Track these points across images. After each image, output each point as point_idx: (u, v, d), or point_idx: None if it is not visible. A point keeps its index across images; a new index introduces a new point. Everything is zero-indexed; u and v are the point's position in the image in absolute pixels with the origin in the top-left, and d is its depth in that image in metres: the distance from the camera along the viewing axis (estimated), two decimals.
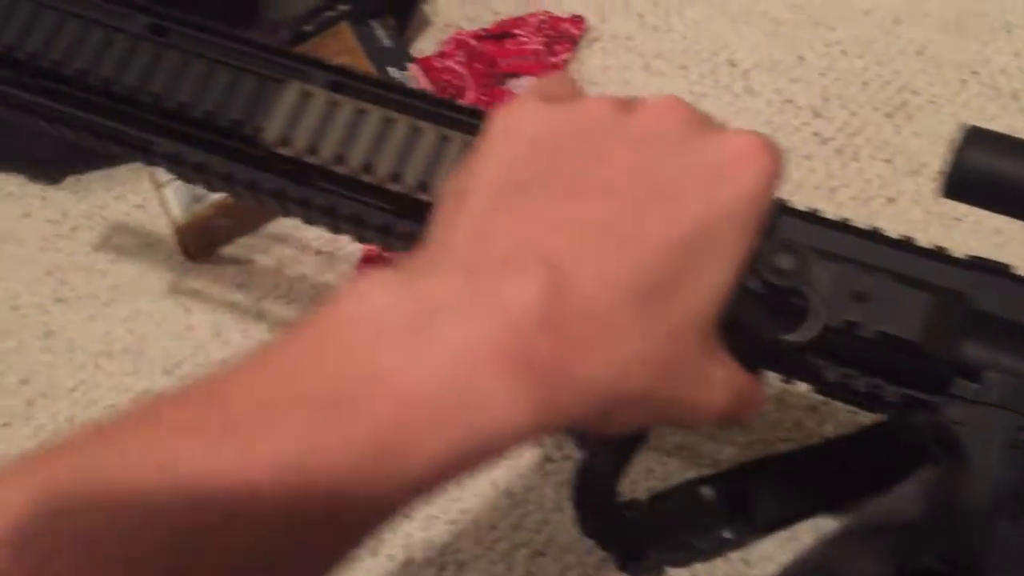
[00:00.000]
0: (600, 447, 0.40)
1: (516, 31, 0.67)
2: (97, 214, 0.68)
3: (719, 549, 0.51)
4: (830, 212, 0.36)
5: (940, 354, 0.32)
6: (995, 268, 0.33)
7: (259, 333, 0.61)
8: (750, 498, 0.49)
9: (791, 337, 0.32)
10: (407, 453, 0.23)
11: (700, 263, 0.28)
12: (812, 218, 0.34)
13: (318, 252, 0.63)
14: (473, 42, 0.66)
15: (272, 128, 0.37)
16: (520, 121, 0.30)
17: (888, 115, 0.62)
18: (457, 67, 0.65)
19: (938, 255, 0.34)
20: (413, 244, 0.37)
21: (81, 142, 0.43)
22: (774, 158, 0.30)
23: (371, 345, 0.24)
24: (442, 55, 0.66)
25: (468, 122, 0.37)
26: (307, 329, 0.25)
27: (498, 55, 0.66)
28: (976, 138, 0.33)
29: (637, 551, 0.49)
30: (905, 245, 0.34)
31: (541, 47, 0.66)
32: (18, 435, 0.61)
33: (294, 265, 0.64)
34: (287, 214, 0.41)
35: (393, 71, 0.66)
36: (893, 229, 0.35)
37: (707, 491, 0.50)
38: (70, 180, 0.70)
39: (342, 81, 0.38)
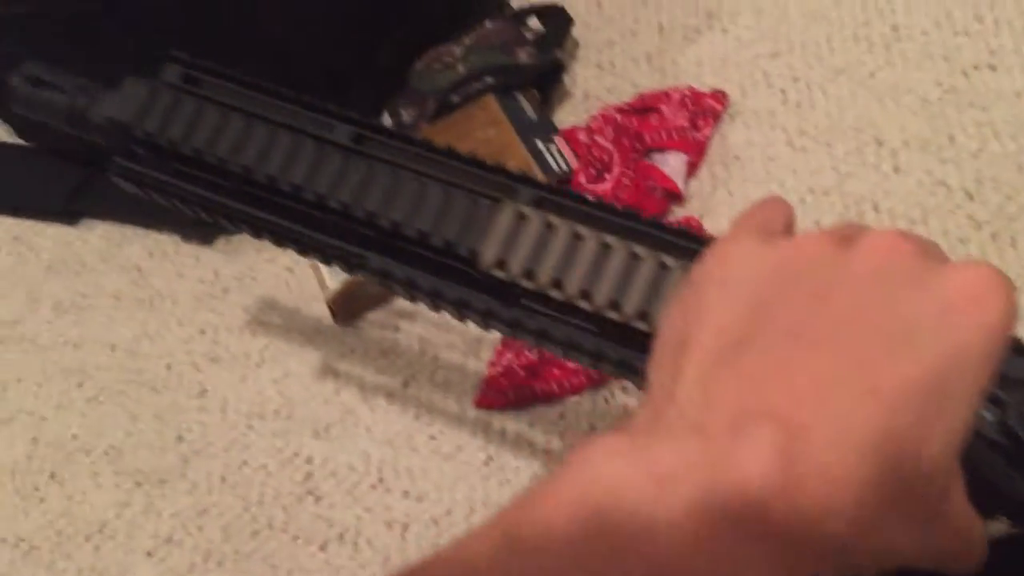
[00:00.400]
0: None
1: (659, 106, 0.68)
2: (248, 275, 0.70)
3: None
4: None
5: None
6: None
7: (404, 402, 0.63)
8: None
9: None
10: None
11: (938, 411, 0.27)
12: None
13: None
14: (619, 117, 0.67)
15: (489, 251, 0.38)
16: (738, 266, 0.30)
17: None
18: (604, 142, 0.66)
19: None
20: (626, 371, 0.37)
21: (282, 247, 0.44)
22: (1008, 294, 0.29)
23: (614, 520, 0.25)
24: (589, 130, 0.67)
25: (678, 244, 0.37)
26: (547, 507, 0.26)
27: (643, 129, 0.67)
28: None
29: None
30: None
31: (686, 123, 0.67)
32: (174, 491, 0.63)
33: (438, 334, 0.65)
34: (488, 329, 0.41)
35: (539, 143, 0.67)
36: None
37: None
38: (221, 241, 0.72)
39: (547, 198, 0.38)
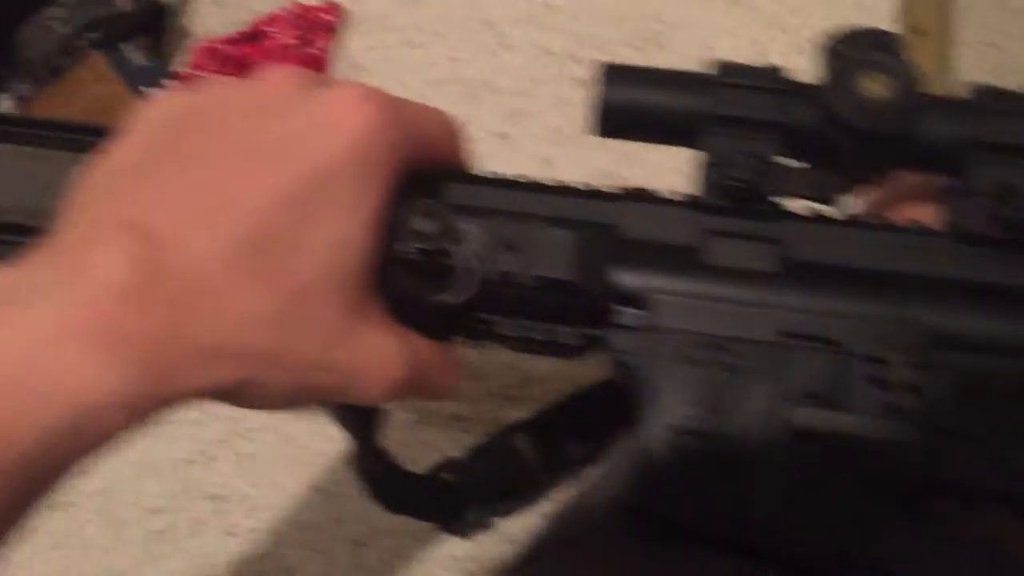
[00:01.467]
0: (344, 421, 0.40)
1: (269, 29, 0.66)
2: None
3: (539, 493, 0.52)
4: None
5: (597, 288, 0.32)
6: (644, 196, 0.34)
7: None
8: (559, 440, 0.50)
9: (447, 297, 0.32)
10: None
11: (314, 218, 0.28)
12: (465, 178, 0.34)
13: None
14: (224, 47, 0.65)
15: None
16: (151, 109, 0.31)
17: (639, 48, 0.63)
18: (209, 76, 0.64)
19: (588, 192, 0.34)
20: None
21: None
22: (380, 108, 0.30)
23: None
24: (195, 66, 0.65)
25: None
26: None
27: (253, 56, 0.65)
28: (613, 75, 0.34)
29: (457, 511, 0.50)
30: (557, 188, 0.34)
31: (294, 40, 0.65)
32: None
33: None
34: None
35: (149, 91, 0.65)
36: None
37: (521, 439, 0.51)
38: None
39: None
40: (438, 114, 0.34)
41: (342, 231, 0.29)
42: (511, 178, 0.35)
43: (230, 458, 0.57)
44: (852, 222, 0.33)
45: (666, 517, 0.31)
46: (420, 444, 0.54)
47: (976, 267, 0.31)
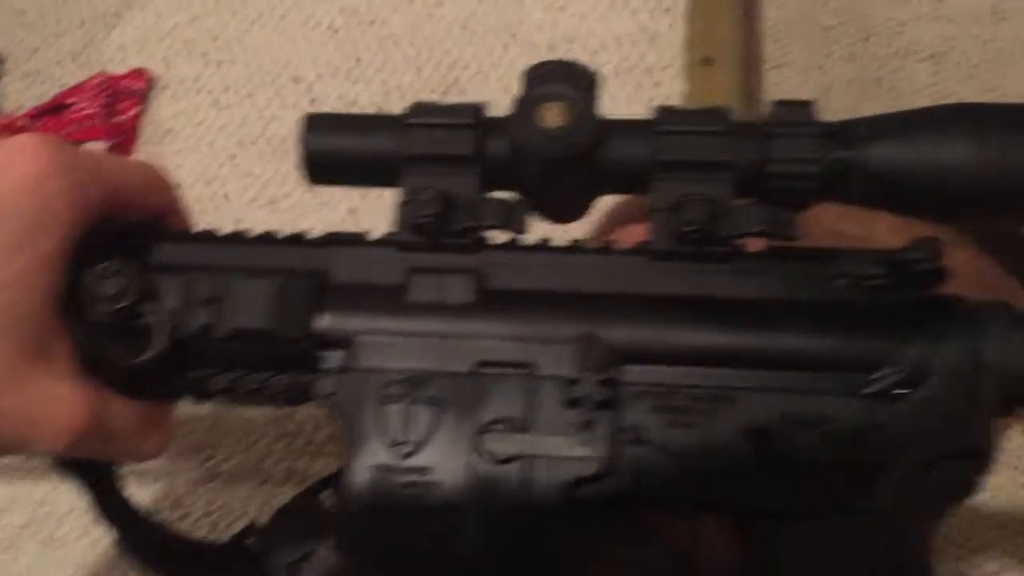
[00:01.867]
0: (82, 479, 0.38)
1: (73, 100, 0.65)
2: None
3: None
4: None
5: (298, 334, 0.32)
6: (349, 239, 0.34)
7: None
8: None
9: (143, 358, 0.31)
10: None
11: None
12: (169, 235, 0.34)
13: None
14: (23, 122, 0.64)
15: None
16: None
17: (444, 94, 0.63)
18: None
19: (293, 241, 0.34)
20: None
21: None
22: (54, 154, 0.30)
23: None
24: None
25: None
26: None
27: (52, 128, 0.64)
28: (316, 123, 0.34)
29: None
30: (262, 240, 0.34)
31: (98, 109, 0.65)
32: None
33: None
34: None
35: None
36: None
37: (328, 496, 0.49)
38: None
39: None
40: (141, 167, 0.34)
41: (5, 274, 0.28)
42: (217, 233, 0.35)
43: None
44: (545, 247, 0.33)
45: (375, 561, 0.30)
46: (224, 511, 0.53)
47: (658, 282, 0.32)
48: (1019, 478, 0.58)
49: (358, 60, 0.66)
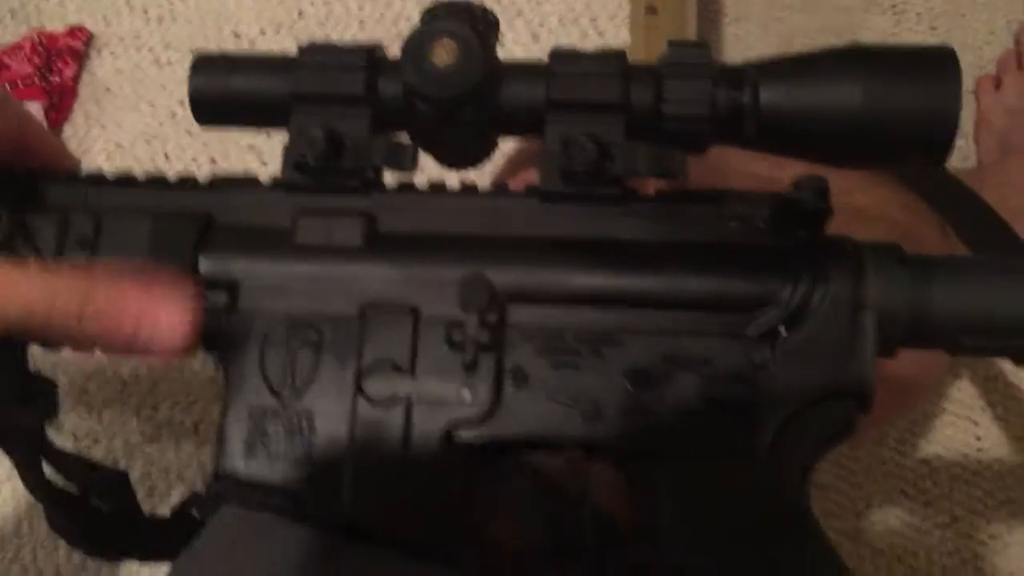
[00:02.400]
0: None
1: (6, 59, 0.64)
2: None
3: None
4: None
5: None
6: (238, 182, 0.33)
7: None
8: None
9: None
10: None
11: None
12: (51, 177, 0.33)
13: None
14: None
15: None
16: None
17: (388, 48, 0.62)
18: None
19: (180, 183, 0.33)
20: None
21: None
22: None
23: None
24: None
25: None
26: None
27: None
28: (202, 63, 0.33)
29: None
30: (148, 182, 0.33)
31: (35, 69, 0.63)
32: None
33: None
34: None
35: None
36: None
37: None
38: None
39: None
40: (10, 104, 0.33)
41: None
42: (102, 175, 0.33)
43: None
44: (437, 190, 0.32)
45: (259, 504, 0.29)
46: (163, 473, 0.52)
47: (548, 224, 0.31)
48: (971, 428, 0.57)
49: (300, 14, 0.65)
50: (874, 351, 0.29)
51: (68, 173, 0.33)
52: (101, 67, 0.66)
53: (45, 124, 0.63)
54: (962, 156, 0.62)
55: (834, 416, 0.30)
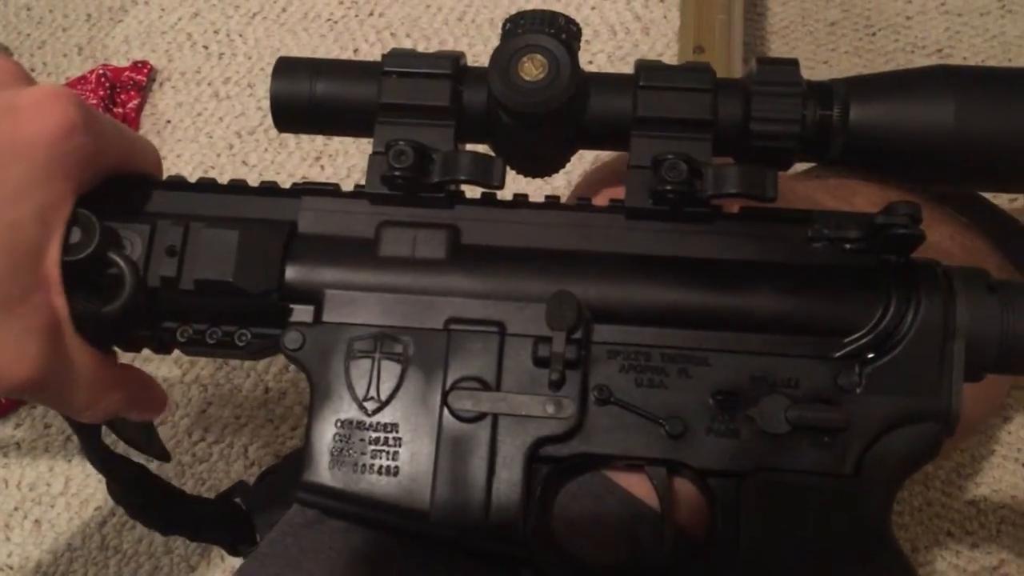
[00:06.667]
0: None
1: (76, 91, 0.66)
2: None
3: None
4: None
5: (264, 287, 0.31)
6: (321, 190, 0.33)
7: None
8: None
9: (110, 308, 0.31)
10: None
11: None
12: (145, 184, 0.34)
13: None
14: None
15: None
16: None
17: None
18: None
19: (263, 190, 0.33)
20: None
21: None
22: (73, 108, 0.30)
23: None
24: None
25: None
26: None
27: None
28: (284, 67, 0.33)
29: (246, 535, 0.48)
30: (232, 188, 0.33)
31: (99, 101, 0.65)
32: None
33: None
34: None
35: None
36: None
37: None
38: None
39: None
40: (148, 143, 0.34)
41: (8, 215, 0.28)
42: (187, 181, 0.34)
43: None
44: (521, 203, 0.32)
45: (335, 512, 0.30)
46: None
47: (634, 241, 0.31)
48: (1020, 470, 0.57)
49: (356, 51, 0.67)
50: (961, 377, 0.29)
51: (157, 179, 0.34)
52: (163, 100, 0.68)
53: None
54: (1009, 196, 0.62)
55: (919, 439, 0.29)
